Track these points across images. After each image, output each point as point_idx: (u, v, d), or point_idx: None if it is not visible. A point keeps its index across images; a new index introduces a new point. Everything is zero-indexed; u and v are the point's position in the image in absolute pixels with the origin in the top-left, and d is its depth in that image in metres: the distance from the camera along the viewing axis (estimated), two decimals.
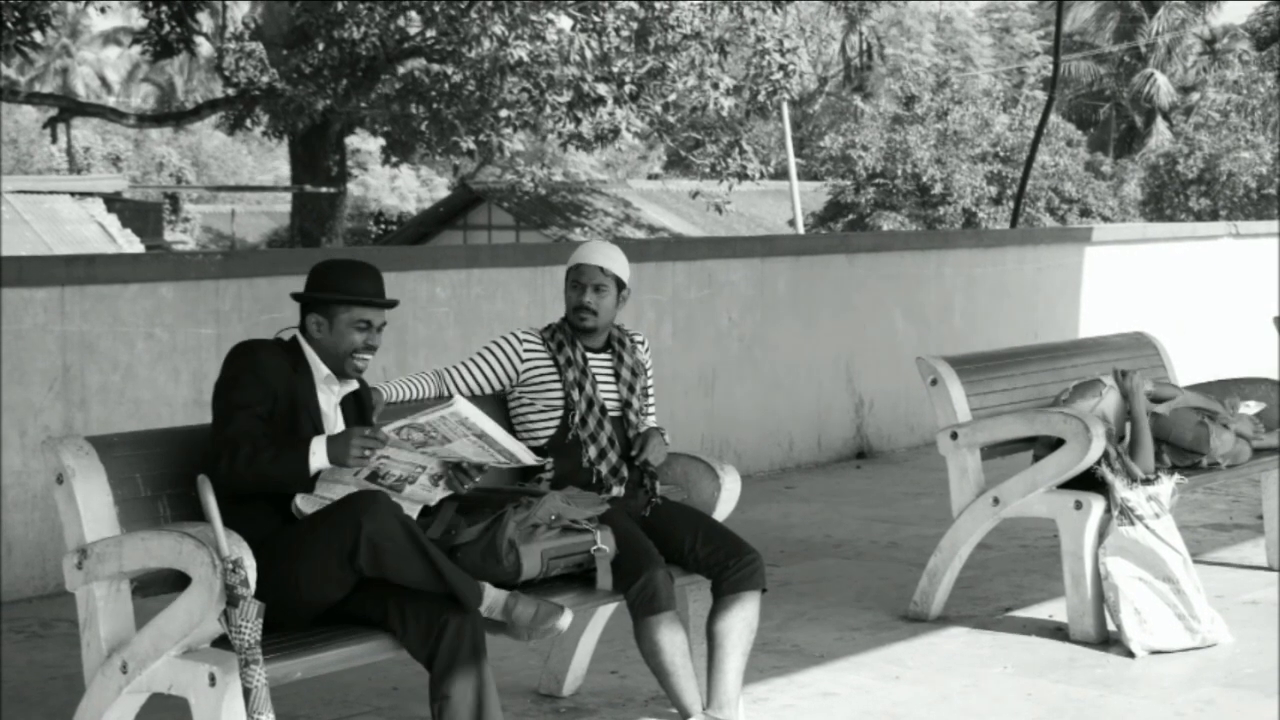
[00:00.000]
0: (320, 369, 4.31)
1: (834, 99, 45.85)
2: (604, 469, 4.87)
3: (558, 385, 4.93)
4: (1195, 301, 12.68)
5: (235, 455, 4.05)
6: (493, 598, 4.12)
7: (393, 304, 4.39)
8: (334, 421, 4.32)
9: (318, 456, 4.07)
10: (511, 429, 4.96)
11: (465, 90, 18.87)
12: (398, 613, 4.02)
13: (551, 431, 4.91)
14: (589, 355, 5.01)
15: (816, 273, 9.97)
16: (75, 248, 22.75)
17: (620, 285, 5.01)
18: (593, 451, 4.88)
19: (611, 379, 5.01)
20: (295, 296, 4.38)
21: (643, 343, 5.18)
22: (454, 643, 3.97)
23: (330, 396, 4.34)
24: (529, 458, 4.37)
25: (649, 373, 5.14)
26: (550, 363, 4.94)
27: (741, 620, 4.67)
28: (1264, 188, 30.67)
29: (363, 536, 3.92)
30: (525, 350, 4.96)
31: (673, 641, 4.53)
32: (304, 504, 4.15)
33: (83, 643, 4.03)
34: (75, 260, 6.98)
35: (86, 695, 4.02)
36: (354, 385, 4.40)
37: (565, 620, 4.15)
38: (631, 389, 5.02)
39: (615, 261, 4.99)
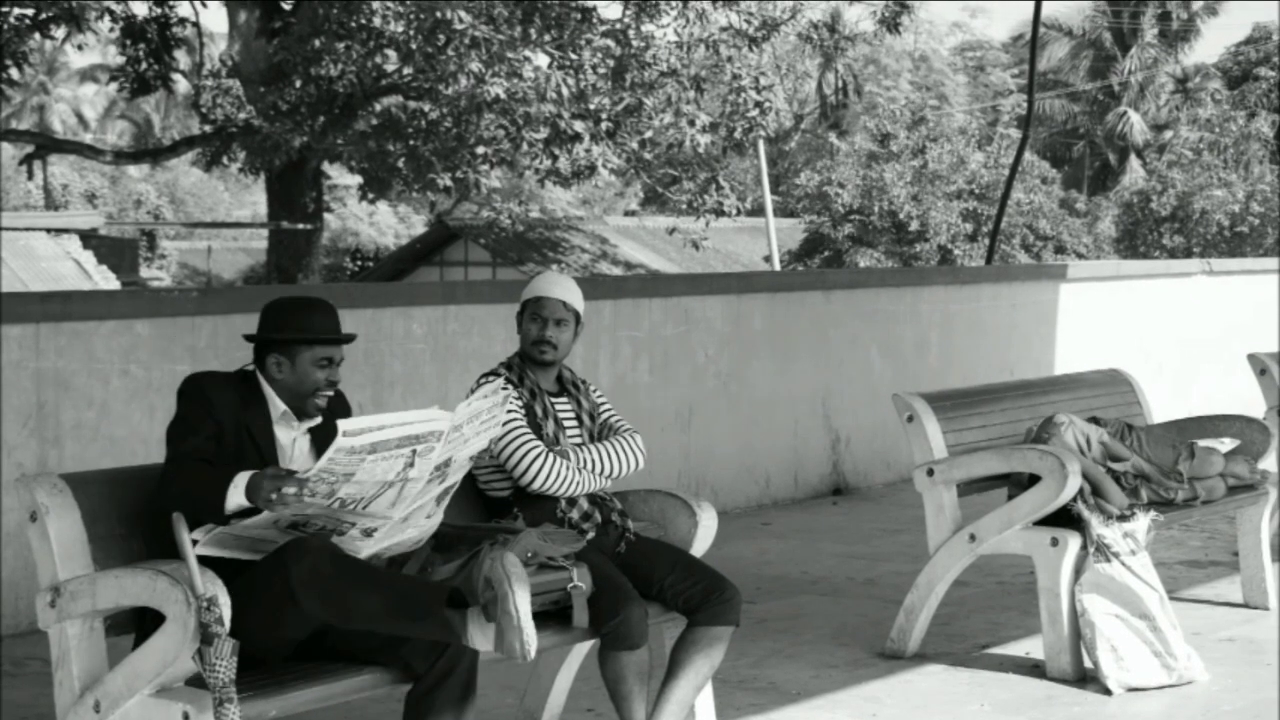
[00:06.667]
0: (277, 405, 4.25)
1: (810, 136, 46.03)
2: (575, 515, 4.83)
3: None
4: (1169, 338, 12.73)
5: (169, 481, 4.01)
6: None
7: (350, 339, 4.33)
8: (297, 456, 4.25)
9: (237, 489, 3.94)
10: (473, 483, 4.90)
11: (442, 127, 18.88)
12: (389, 642, 3.98)
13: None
14: (552, 401, 4.95)
15: (793, 309, 9.99)
16: (51, 284, 22.68)
17: (578, 320, 4.96)
18: (564, 501, 4.85)
19: (575, 424, 4.96)
20: (248, 338, 4.32)
21: (590, 386, 5.11)
22: (445, 671, 3.96)
23: (290, 432, 4.27)
24: (430, 413, 4.02)
25: (602, 407, 5.08)
26: (526, 412, 4.85)
27: (702, 655, 4.67)
28: (1236, 225, 30.87)
29: (293, 578, 3.82)
30: (517, 402, 4.85)
31: (637, 672, 4.56)
32: (202, 539, 3.95)
33: (55, 681, 4.00)
34: (50, 297, 6.96)
35: None
36: (316, 421, 4.32)
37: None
38: (592, 435, 4.98)
39: (574, 295, 4.93)
